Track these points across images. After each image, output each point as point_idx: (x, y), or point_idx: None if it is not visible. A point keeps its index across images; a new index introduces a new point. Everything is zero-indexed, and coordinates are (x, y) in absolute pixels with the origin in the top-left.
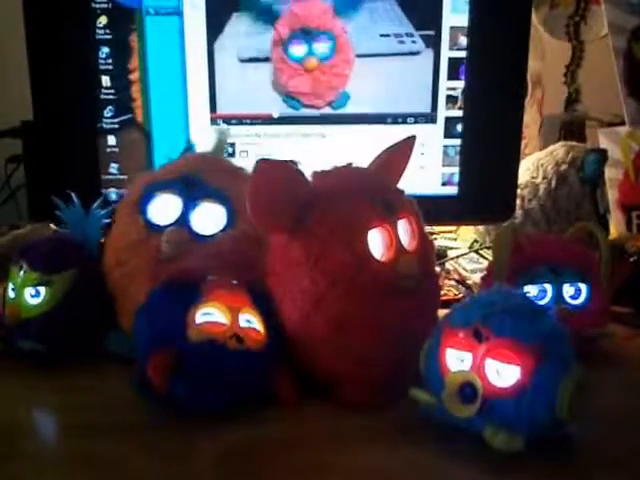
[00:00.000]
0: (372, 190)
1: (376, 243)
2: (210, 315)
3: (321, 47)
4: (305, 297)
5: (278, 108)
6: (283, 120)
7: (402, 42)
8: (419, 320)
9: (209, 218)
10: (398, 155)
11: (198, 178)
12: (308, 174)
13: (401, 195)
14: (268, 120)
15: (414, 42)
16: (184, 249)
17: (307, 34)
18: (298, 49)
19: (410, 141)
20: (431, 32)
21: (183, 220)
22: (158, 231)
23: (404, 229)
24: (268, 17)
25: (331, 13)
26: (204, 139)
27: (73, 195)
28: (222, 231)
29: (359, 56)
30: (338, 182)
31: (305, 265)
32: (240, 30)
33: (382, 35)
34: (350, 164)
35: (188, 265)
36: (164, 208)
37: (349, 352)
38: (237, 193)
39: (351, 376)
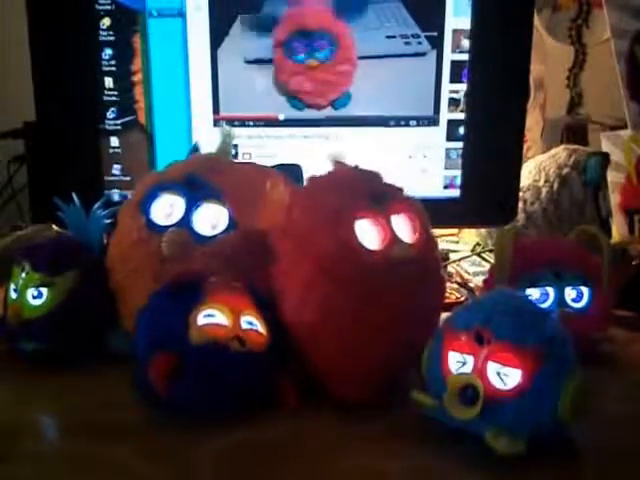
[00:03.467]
0: (359, 184)
1: (367, 234)
2: (212, 317)
3: (321, 49)
4: (297, 286)
5: (284, 110)
6: (288, 122)
7: (408, 43)
8: (416, 320)
9: (211, 219)
10: None
11: (201, 179)
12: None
13: (397, 193)
14: (272, 122)
15: (420, 43)
16: (185, 250)
17: (306, 37)
18: (299, 51)
19: None
20: (436, 33)
21: (185, 221)
22: (160, 232)
23: (402, 224)
24: (268, 21)
25: (331, 15)
26: (207, 140)
27: (74, 196)
28: (224, 232)
29: (364, 58)
30: (326, 179)
31: (295, 254)
32: (246, 31)
33: (388, 36)
34: (343, 162)
35: (189, 266)
36: (166, 209)
37: (335, 341)
38: (240, 194)
39: (338, 368)
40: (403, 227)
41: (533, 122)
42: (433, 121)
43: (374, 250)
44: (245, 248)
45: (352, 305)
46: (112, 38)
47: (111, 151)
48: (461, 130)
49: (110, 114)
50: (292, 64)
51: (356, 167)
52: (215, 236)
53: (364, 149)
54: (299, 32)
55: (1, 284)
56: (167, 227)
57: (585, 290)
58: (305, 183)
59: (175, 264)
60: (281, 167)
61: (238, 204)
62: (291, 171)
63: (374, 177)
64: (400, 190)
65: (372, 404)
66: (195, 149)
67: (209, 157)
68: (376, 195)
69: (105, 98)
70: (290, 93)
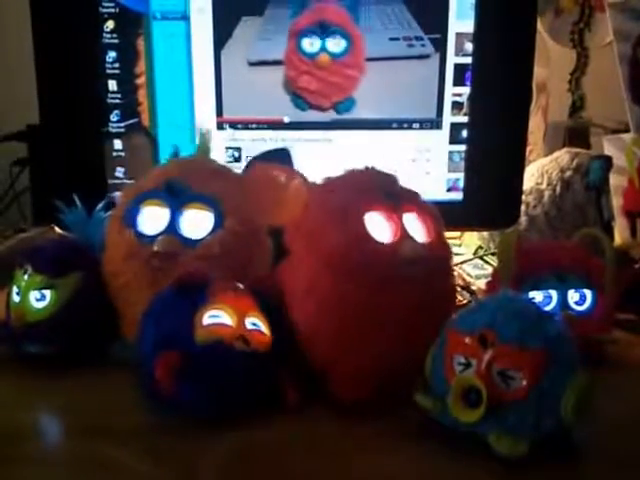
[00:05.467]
0: (374, 181)
1: (376, 226)
2: (217, 317)
3: (334, 44)
4: (302, 281)
5: (288, 113)
6: (292, 125)
7: (412, 45)
8: (420, 320)
9: (197, 222)
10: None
11: (181, 183)
12: (312, 179)
13: (412, 195)
14: (275, 125)
15: (423, 45)
16: (176, 256)
17: (324, 29)
18: (311, 44)
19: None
20: (439, 36)
21: (172, 227)
22: (149, 242)
23: (414, 222)
24: (292, 11)
25: (349, 16)
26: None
27: (75, 198)
28: (211, 233)
29: (368, 60)
30: (341, 178)
31: (303, 250)
32: (250, 33)
33: (391, 39)
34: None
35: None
36: (152, 218)
37: (336, 337)
38: (223, 193)
39: (338, 366)
40: (416, 227)
41: (535, 125)
42: (436, 124)
43: (383, 242)
44: (233, 246)
45: (355, 298)
46: (116, 41)
47: (114, 154)
48: (464, 133)
49: (114, 117)
50: (302, 59)
51: (372, 168)
52: (203, 238)
53: (367, 152)
54: (319, 23)
55: (4, 286)
56: (155, 236)
57: (588, 293)
58: (320, 182)
59: (167, 272)
60: (268, 154)
61: (225, 202)
62: (279, 155)
63: (390, 178)
64: (416, 194)
65: (371, 404)
66: (175, 154)
67: (187, 160)
68: (391, 193)
69: (109, 101)
70: (296, 91)
